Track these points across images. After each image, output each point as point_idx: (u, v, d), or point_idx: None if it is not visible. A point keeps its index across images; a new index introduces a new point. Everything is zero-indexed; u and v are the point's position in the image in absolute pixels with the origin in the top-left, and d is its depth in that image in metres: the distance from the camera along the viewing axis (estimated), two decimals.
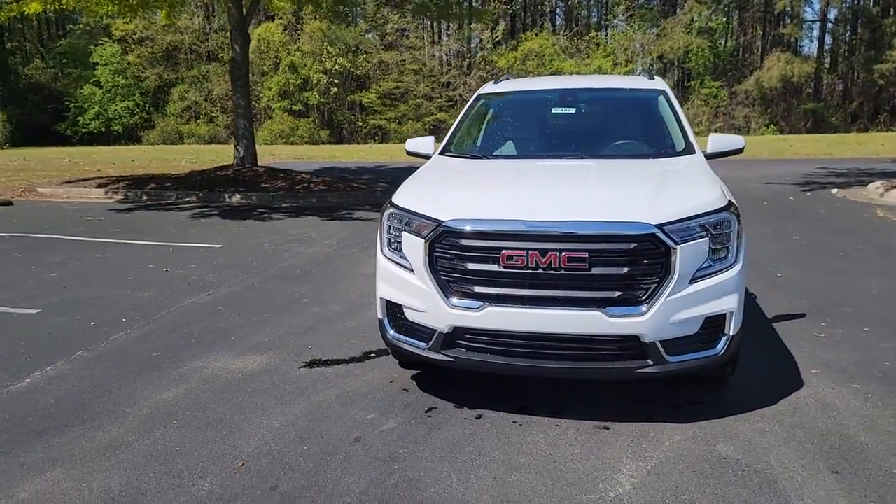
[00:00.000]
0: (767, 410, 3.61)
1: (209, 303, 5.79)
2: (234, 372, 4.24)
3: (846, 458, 3.11)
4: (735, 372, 3.93)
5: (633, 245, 3.24)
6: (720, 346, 3.43)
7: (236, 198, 12.11)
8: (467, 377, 3.93)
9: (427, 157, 4.79)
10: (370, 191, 12.72)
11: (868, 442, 3.25)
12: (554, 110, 5.01)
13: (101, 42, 43.73)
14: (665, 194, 3.49)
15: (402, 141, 15.84)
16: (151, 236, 8.88)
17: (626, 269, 3.25)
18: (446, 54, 44.34)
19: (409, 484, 2.93)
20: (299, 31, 42.98)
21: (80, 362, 4.44)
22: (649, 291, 3.26)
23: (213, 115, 42.68)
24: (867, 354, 4.40)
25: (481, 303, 3.38)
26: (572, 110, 4.97)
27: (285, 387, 3.99)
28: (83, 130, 41.57)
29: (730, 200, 3.55)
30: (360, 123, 43.76)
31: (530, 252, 3.28)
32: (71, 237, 8.79)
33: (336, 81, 42.06)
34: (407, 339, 3.65)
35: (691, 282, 3.32)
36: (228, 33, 13.58)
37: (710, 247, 3.37)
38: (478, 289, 3.39)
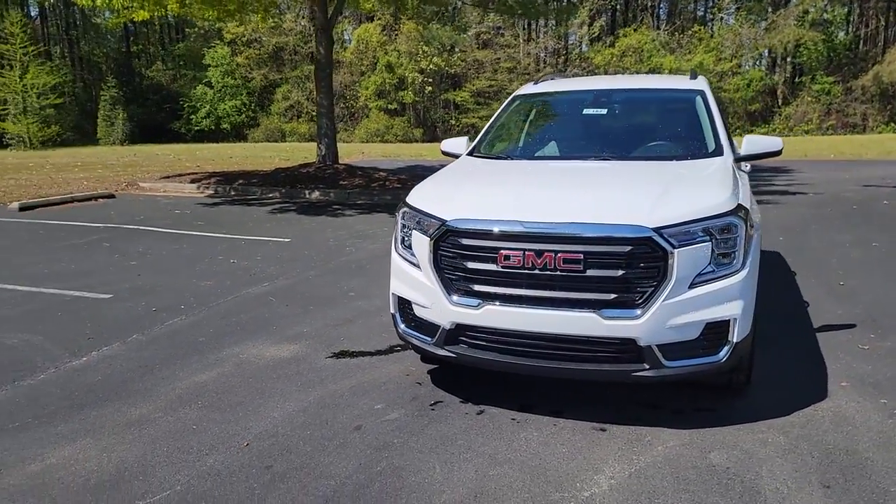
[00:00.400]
0: (777, 421, 3.51)
1: (263, 293, 6.13)
2: (266, 359, 4.50)
3: (844, 473, 3.01)
4: (751, 381, 3.85)
5: (629, 248, 3.24)
6: (722, 353, 3.37)
7: (315, 194, 12.60)
8: (480, 373, 4.02)
9: (458, 157, 4.91)
10: None
11: (875, 459, 3.13)
12: (585, 111, 5.00)
13: (213, 45, 46.10)
14: (669, 197, 3.46)
15: None
16: (228, 230, 9.41)
17: (621, 272, 3.26)
18: (542, 52, 44.01)
19: (393, 471, 3.06)
20: (397, 32, 43.80)
21: (134, 344, 4.82)
22: (645, 295, 3.26)
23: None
24: None
25: (480, 301, 3.47)
26: (604, 111, 4.94)
27: (308, 375, 4.21)
28: (195, 128, 43.99)
29: (739, 204, 3.46)
30: (453, 122, 44.13)
31: (527, 252, 3.34)
32: (156, 229, 9.45)
33: (430, 80, 42.60)
34: (415, 333, 3.79)
35: (691, 286, 3.28)
36: (313, 36, 14.12)
37: (713, 251, 3.33)
38: (477, 287, 3.48)
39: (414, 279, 3.72)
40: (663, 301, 3.24)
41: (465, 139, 4.98)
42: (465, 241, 3.47)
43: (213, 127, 44.14)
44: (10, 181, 15.28)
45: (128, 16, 15.62)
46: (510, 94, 5.33)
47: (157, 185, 14.05)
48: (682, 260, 3.25)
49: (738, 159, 4.34)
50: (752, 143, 4.41)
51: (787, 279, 6.38)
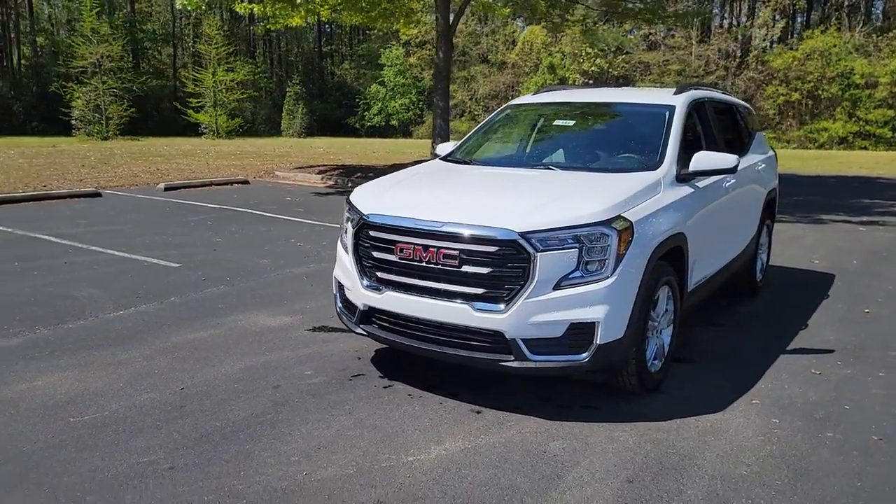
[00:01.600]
0: (646, 424, 3.67)
1: (303, 273, 6.91)
2: (258, 326, 5.23)
3: (659, 473, 3.17)
4: (653, 387, 4.01)
5: (496, 248, 3.58)
6: (586, 353, 3.59)
7: None
8: (420, 358, 4.39)
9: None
10: None
11: (702, 465, 3.25)
12: (555, 123, 5.25)
13: (389, 46, 48.70)
14: (549, 205, 3.73)
15: None
16: (319, 217, 10.40)
17: (489, 270, 3.60)
18: (714, 54, 42.02)
19: (273, 422, 3.63)
20: (562, 33, 43.84)
21: (168, 305, 5.76)
22: (512, 292, 3.57)
23: (476, 113, 45.28)
24: (837, 395, 4.09)
25: (383, 287, 3.95)
26: (571, 123, 5.17)
27: (277, 342, 4.88)
28: (368, 124, 46.77)
29: (618, 216, 3.65)
30: None
31: (416, 247, 3.77)
32: (259, 213, 10.65)
33: (591, 82, 42.19)
34: (345, 312, 4.33)
35: (556, 287, 3.55)
36: (435, 40, 14.88)
37: (581, 258, 3.57)
38: (381, 274, 3.96)
39: (344, 265, 4.26)
40: (526, 299, 3.54)
41: (452, 144, 5.40)
42: (374, 234, 3.96)
43: (383, 123, 46.73)
44: (174, 165, 17.56)
45: (282, 22, 17.27)
46: None
47: (289, 175, 15.53)
48: (546, 263, 3.53)
49: (683, 176, 4.42)
50: (699, 160, 4.46)
51: (813, 301, 6.16)
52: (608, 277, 3.58)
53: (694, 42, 42.48)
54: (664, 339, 4.21)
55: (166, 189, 12.85)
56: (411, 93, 47.14)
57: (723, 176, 4.86)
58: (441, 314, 3.73)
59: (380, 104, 46.91)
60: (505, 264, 3.58)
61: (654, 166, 4.38)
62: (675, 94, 5.12)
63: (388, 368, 4.39)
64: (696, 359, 4.71)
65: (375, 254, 3.97)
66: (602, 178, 4.25)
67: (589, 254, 3.58)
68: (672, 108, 4.85)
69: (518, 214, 3.65)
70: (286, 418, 3.68)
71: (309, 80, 51.43)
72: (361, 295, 4.05)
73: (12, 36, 44.47)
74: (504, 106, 5.64)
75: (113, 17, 34.53)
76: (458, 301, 3.68)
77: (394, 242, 3.86)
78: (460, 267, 3.66)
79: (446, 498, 2.94)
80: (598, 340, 3.58)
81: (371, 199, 4.20)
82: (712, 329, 5.37)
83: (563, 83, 43.68)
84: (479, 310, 3.62)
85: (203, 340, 4.89)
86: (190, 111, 29.01)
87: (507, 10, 17.88)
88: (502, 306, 3.58)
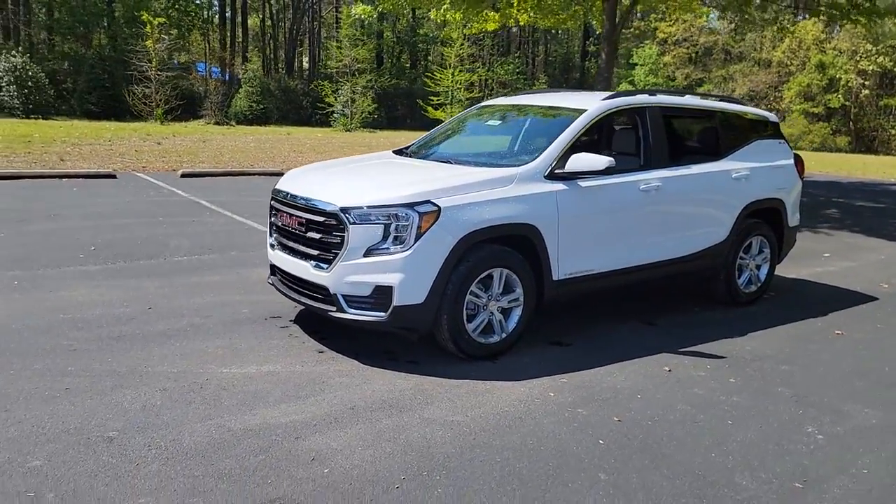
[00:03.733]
0: (438, 379, 4.34)
1: None
2: (227, 278, 6.50)
3: (409, 403, 3.90)
4: (477, 356, 4.62)
5: (324, 219, 4.51)
6: (386, 312, 4.37)
7: None
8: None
9: None
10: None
11: (442, 410, 3.90)
12: (487, 122, 5.83)
13: (642, 44, 47.98)
14: (381, 188, 4.56)
15: None
16: None
17: (321, 236, 4.54)
18: None
19: (193, 331, 4.92)
20: (839, 28, 39.59)
21: (224, 255, 7.38)
22: (335, 256, 4.48)
23: None
24: (653, 392, 4.34)
25: (275, 246, 5.06)
26: (497, 123, 5.73)
27: (237, 286, 6.17)
28: None
29: (426, 201, 4.35)
30: (895, 132, 38.35)
31: (284, 213, 4.84)
32: None
33: (867, 83, 37.67)
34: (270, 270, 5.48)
35: (366, 255, 4.38)
36: (602, 43, 15.06)
37: (388, 231, 4.36)
38: (274, 235, 5.08)
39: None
40: (342, 262, 4.42)
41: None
42: (272, 202, 5.09)
43: None
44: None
45: (478, 27, 18.59)
46: None
47: None
48: (357, 233, 4.38)
49: (559, 175, 4.87)
50: (573, 161, 4.88)
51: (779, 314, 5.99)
52: (407, 251, 4.32)
53: None
54: (500, 317, 4.72)
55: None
56: None
57: (624, 177, 5.19)
58: (297, 270, 4.75)
59: None
60: (330, 232, 4.49)
61: (521, 164, 4.90)
62: (604, 99, 5.46)
63: (306, 321, 5.42)
64: (573, 343, 5.12)
65: (272, 218, 5.09)
66: (462, 171, 4.91)
67: (394, 229, 4.35)
68: (579, 113, 5.25)
69: (351, 194, 4.53)
70: (201, 349, 4.84)
71: (562, 80, 52.47)
72: (269, 252, 5.19)
73: (307, 43, 51.61)
74: (475, 106, 6.34)
75: (365, 27, 38.64)
76: (305, 260, 4.67)
77: (277, 210, 4.95)
78: (306, 233, 4.65)
79: (243, 393, 4.00)
80: (396, 302, 4.34)
81: (291, 175, 5.30)
82: (635, 325, 5.62)
83: (832, 84, 39.58)
84: (315, 267, 4.58)
85: (213, 283, 6.35)
86: (430, 108, 31.76)
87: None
88: (327, 266, 4.50)
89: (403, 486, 3.12)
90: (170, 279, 6.36)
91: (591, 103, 5.39)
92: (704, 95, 6.64)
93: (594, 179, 5.05)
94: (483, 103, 6.34)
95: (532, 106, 5.89)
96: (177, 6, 38.55)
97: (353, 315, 4.47)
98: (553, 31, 56.14)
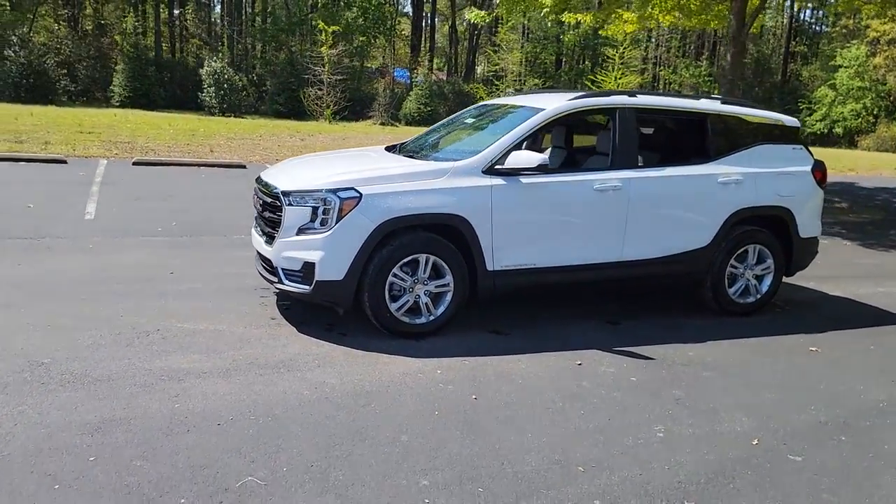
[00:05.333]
0: (353, 350, 4.83)
1: None
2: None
3: (313, 364, 4.46)
4: (397, 333, 5.02)
5: (271, 200, 5.16)
6: (311, 286, 4.93)
7: None
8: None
9: None
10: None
11: (344, 378, 4.41)
12: (466, 120, 6.11)
13: (848, 45, 43.90)
14: (318, 176, 5.10)
15: None
16: None
17: (269, 215, 5.20)
18: None
19: (161, 313, 5.81)
20: None
21: None
22: (276, 233, 5.11)
23: None
24: (537, 379, 4.52)
25: (254, 225, 5.79)
26: (471, 121, 5.99)
27: (249, 262, 6.97)
28: (807, 130, 43.12)
29: (349, 187, 4.84)
30: None
31: (256, 197, 5.55)
32: None
33: None
34: None
35: (298, 233, 4.98)
36: (728, 42, 14.22)
37: (315, 213, 4.92)
38: (255, 215, 5.81)
39: None
40: (280, 239, 5.05)
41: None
42: (254, 188, 5.82)
43: (825, 131, 42.58)
44: None
45: (616, 29, 18.38)
46: None
47: None
48: (290, 214, 4.99)
49: (496, 170, 5.14)
50: (511, 158, 5.13)
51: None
52: (329, 231, 4.85)
53: None
54: (426, 300, 5.07)
55: None
56: (867, 97, 41.77)
57: (576, 175, 5.35)
58: (260, 246, 5.43)
59: (824, 109, 42.76)
60: (275, 212, 5.13)
61: (459, 159, 5.23)
62: (570, 100, 5.60)
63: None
64: (510, 333, 5.35)
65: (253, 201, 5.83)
66: (405, 164, 5.33)
67: (321, 212, 4.90)
68: (535, 112, 5.45)
69: (294, 180, 5.14)
70: (196, 293, 5.79)
71: (754, 83, 49.26)
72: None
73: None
74: (470, 106, 6.67)
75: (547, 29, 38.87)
76: (262, 237, 5.35)
77: (254, 194, 5.67)
78: (263, 213, 5.33)
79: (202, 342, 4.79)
80: (318, 277, 4.88)
81: (277, 168, 6.00)
82: (596, 323, 5.69)
83: None
84: (266, 243, 5.25)
85: (243, 258, 7.25)
86: None
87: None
88: (272, 242, 5.14)
89: (225, 426, 3.64)
90: (214, 252, 7.34)
91: (553, 104, 5.55)
92: (723, 100, 6.39)
93: (537, 176, 5.24)
94: (480, 103, 6.66)
95: (506, 105, 6.13)
96: (366, 15, 41.38)
97: (288, 287, 5.07)
98: (754, 32, 53.00)
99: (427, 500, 3.07)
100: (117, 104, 29.74)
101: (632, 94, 5.81)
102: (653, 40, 52.66)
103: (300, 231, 4.95)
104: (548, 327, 5.54)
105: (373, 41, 41.99)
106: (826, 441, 3.85)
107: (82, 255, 6.84)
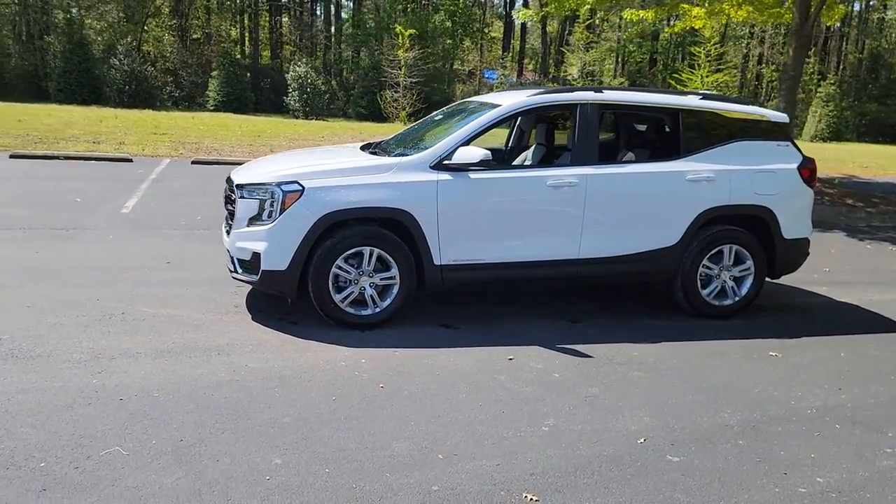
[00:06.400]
0: (294, 338, 5.02)
1: None
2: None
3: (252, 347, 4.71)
4: (339, 323, 5.17)
5: (229, 193, 5.44)
6: (258, 275, 5.16)
7: None
8: None
9: None
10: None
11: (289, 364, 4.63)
12: (435, 118, 6.15)
13: None
14: (269, 170, 5.32)
15: None
16: None
17: (231, 207, 5.47)
18: None
19: (134, 297, 6.19)
20: None
21: None
22: (232, 224, 5.38)
23: None
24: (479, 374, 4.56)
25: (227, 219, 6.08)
26: (439, 118, 6.04)
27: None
28: None
29: (292, 181, 5.03)
30: None
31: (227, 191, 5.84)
32: None
33: None
34: None
35: (248, 224, 5.22)
36: (790, 37, 13.44)
37: (262, 206, 5.15)
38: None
39: None
40: (234, 230, 5.32)
41: None
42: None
43: None
44: None
45: (687, 23, 17.80)
46: None
47: None
48: (242, 206, 5.24)
49: (444, 166, 5.20)
50: (458, 154, 5.17)
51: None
52: (271, 223, 5.06)
53: None
54: (371, 292, 5.19)
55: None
56: None
57: (528, 171, 5.37)
58: (223, 238, 5.72)
59: None
60: (233, 203, 5.39)
61: (408, 154, 5.33)
62: (529, 96, 5.59)
63: None
64: (460, 327, 5.40)
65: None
66: (357, 160, 5.48)
67: (268, 204, 5.12)
68: (490, 108, 5.48)
69: (249, 174, 5.40)
70: (179, 281, 6.18)
71: (868, 80, 46.37)
72: None
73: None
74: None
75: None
76: (226, 229, 5.63)
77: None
78: (226, 205, 5.60)
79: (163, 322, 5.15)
80: (263, 267, 5.10)
81: (245, 166, 6.24)
82: (555, 320, 5.64)
83: None
84: (227, 234, 5.52)
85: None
86: None
87: None
88: (229, 232, 5.41)
89: (125, 401, 3.87)
90: (222, 245, 7.72)
91: (509, 100, 5.55)
92: (702, 95, 6.13)
93: (486, 172, 5.27)
94: (459, 101, 6.71)
95: (475, 102, 6.14)
96: (454, 18, 41.82)
97: (241, 276, 5.32)
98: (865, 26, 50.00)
99: (268, 478, 3.20)
100: (212, 108, 31.37)
101: (598, 90, 5.71)
102: (755, 36, 50.42)
103: (250, 222, 5.19)
104: (502, 323, 5.54)
105: (459, 43, 42.36)
106: (718, 444, 3.70)
107: (97, 245, 7.37)
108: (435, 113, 6.78)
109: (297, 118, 29.43)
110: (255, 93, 34.47)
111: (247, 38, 43.50)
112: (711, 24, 18.22)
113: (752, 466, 3.49)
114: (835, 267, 8.10)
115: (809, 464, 3.53)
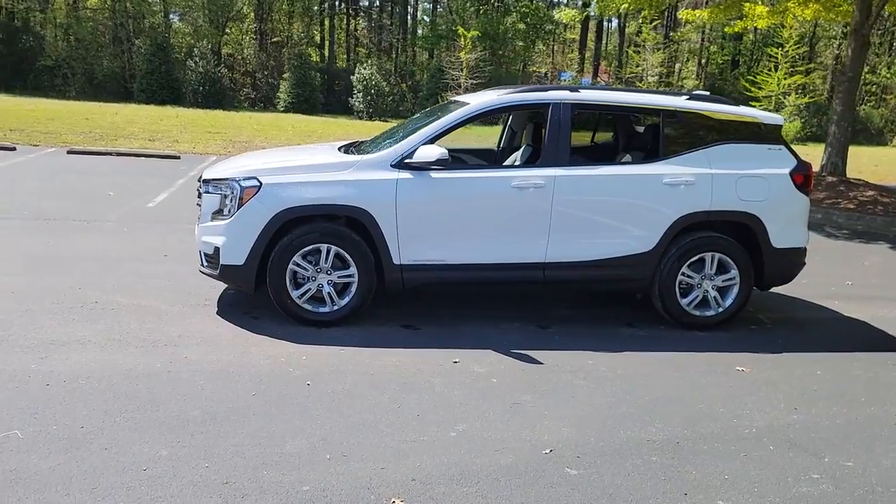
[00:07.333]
0: (257, 334, 5.07)
1: None
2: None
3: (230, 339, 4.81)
4: (298, 320, 5.18)
5: (200, 187, 5.53)
6: (218, 269, 5.23)
7: None
8: None
9: None
10: None
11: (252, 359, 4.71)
12: (415, 117, 6.06)
13: None
14: (233, 166, 5.39)
15: None
16: None
17: (199, 201, 5.56)
18: None
19: (116, 287, 6.37)
20: None
21: None
22: (200, 218, 5.48)
23: None
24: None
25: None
26: (417, 116, 5.97)
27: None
28: None
29: (250, 177, 5.08)
30: None
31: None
32: None
33: None
34: None
35: (211, 219, 5.31)
36: (849, 36, 12.60)
37: (223, 200, 5.23)
38: None
39: None
40: (199, 223, 5.42)
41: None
42: None
43: None
44: None
45: (747, 23, 17.10)
46: None
47: None
48: (206, 200, 5.34)
49: (406, 164, 5.13)
50: (419, 152, 5.10)
51: None
52: (229, 217, 5.13)
53: None
54: (329, 290, 5.17)
55: None
56: None
57: (492, 171, 5.29)
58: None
59: None
60: (202, 198, 5.49)
61: (370, 152, 5.30)
62: (501, 95, 5.46)
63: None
64: (421, 328, 5.32)
65: None
66: (323, 157, 5.48)
67: (228, 199, 5.19)
68: (459, 107, 5.38)
69: (216, 170, 5.48)
70: (168, 273, 6.35)
71: None
72: None
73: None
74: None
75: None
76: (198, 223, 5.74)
77: None
78: (199, 197, 5.71)
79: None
80: (222, 261, 5.17)
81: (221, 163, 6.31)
82: (522, 325, 5.49)
83: None
84: (197, 227, 5.63)
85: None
86: None
87: None
88: (198, 227, 5.51)
89: (50, 388, 3.96)
90: None
91: (479, 100, 5.44)
92: (689, 96, 5.80)
93: (448, 171, 5.18)
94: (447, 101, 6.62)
95: (453, 101, 6.03)
96: (526, 20, 41.55)
97: (206, 270, 5.41)
98: None
99: (145, 469, 3.21)
100: (282, 109, 32.21)
101: (574, 89, 5.52)
102: (849, 37, 47.91)
103: (213, 216, 5.27)
104: (469, 326, 5.42)
105: (531, 46, 42.05)
106: (628, 460, 3.49)
107: (108, 237, 7.65)
108: (420, 112, 6.72)
109: (360, 119, 29.88)
110: (326, 94, 35.17)
111: (326, 42, 44.48)
112: (791, 23, 17.39)
113: (653, 485, 3.27)
114: (860, 280, 7.56)
115: (717, 486, 3.29)
